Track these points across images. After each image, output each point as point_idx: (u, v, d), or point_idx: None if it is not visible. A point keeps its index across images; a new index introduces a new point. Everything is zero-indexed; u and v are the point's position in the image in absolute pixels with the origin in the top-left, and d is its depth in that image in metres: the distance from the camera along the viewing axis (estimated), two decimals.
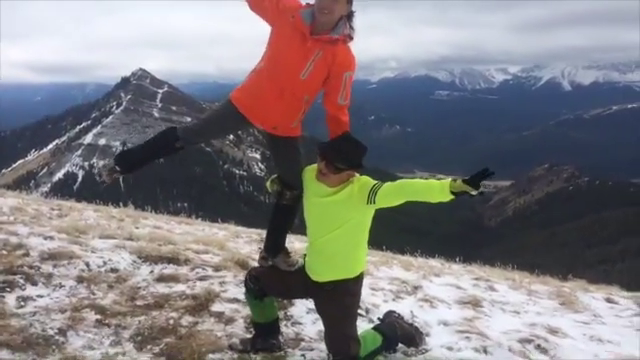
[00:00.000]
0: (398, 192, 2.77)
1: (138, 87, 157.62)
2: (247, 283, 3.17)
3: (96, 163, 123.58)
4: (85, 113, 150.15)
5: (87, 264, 4.17)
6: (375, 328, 3.33)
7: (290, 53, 2.89)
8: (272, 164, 3.35)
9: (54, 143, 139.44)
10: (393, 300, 4.38)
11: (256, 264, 3.71)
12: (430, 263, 6.89)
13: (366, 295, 4.06)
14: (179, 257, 4.56)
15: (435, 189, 2.62)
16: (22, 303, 3.51)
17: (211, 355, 3.10)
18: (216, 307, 3.74)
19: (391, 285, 4.75)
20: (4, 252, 4.10)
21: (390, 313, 3.64)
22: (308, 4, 2.91)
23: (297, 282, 3.14)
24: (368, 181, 2.88)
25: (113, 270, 4.19)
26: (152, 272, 4.26)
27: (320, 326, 3.26)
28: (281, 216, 3.36)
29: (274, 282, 3.18)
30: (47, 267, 4.00)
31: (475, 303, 4.52)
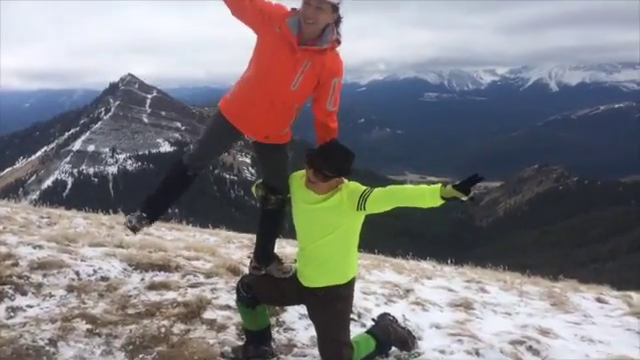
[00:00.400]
0: (388, 198, 2.77)
1: (127, 93, 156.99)
2: (239, 291, 3.13)
3: (85, 170, 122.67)
4: (73, 120, 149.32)
5: (77, 273, 4.13)
6: (369, 332, 3.32)
7: (279, 65, 2.84)
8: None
9: (42, 150, 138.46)
10: (385, 304, 4.38)
11: (248, 270, 3.69)
12: (422, 265, 6.91)
13: (358, 299, 4.06)
14: (170, 264, 4.54)
15: (425, 195, 2.62)
16: (12, 314, 3.46)
17: None
18: (208, 314, 3.71)
19: (383, 289, 4.75)
20: None
21: (384, 315, 3.63)
22: (294, 9, 2.86)
23: (291, 288, 3.12)
24: (357, 187, 2.87)
25: (103, 279, 4.15)
26: (143, 280, 4.23)
27: (313, 332, 3.25)
28: (269, 222, 3.36)
29: (268, 289, 3.15)
30: (37, 277, 3.96)
31: (467, 305, 4.54)
